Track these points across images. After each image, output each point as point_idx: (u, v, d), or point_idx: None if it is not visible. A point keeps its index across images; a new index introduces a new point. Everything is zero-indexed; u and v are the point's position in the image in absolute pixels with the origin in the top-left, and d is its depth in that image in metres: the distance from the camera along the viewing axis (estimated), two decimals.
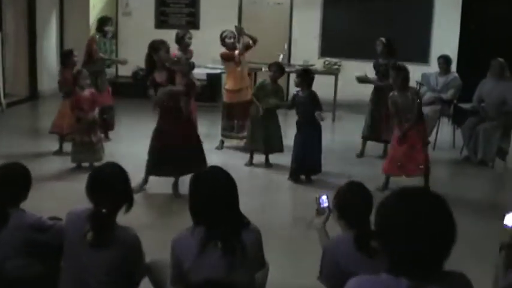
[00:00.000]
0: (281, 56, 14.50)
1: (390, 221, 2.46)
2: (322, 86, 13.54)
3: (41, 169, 8.76)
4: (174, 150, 7.85)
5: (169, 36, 9.57)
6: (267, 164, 9.59)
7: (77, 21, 15.33)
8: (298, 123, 8.80)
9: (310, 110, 8.54)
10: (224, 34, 10.20)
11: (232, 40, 10.19)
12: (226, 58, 10.25)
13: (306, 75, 8.79)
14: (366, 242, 3.70)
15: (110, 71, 13.54)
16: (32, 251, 4.38)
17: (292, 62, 14.83)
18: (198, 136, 8.35)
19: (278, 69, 9.55)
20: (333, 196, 4.11)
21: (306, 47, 15.36)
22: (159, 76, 7.86)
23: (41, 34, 14.92)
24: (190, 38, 10.32)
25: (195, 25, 15.58)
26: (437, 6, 15.11)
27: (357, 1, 15.33)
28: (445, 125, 12.07)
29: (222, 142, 10.54)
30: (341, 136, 11.96)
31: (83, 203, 4.16)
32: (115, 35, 14.94)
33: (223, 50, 10.24)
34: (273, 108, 9.42)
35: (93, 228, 4.06)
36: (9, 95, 14.23)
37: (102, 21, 11.02)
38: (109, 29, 10.89)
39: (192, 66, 10.18)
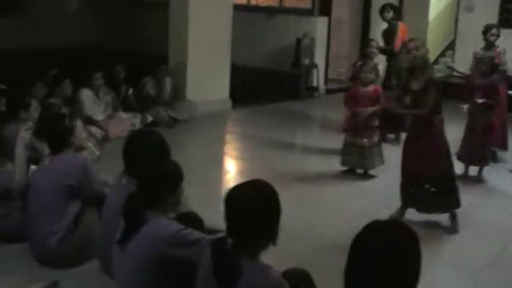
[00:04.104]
0: None
1: None
2: None
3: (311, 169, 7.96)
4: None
5: None
6: None
7: (416, 11, 14.08)
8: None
9: None
10: None
11: None
12: None
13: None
14: None
15: None
16: (164, 267, 3.57)
17: None
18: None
19: None
20: None
21: None
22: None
23: (375, 22, 13.96)
24: (493, 35, 8.61)
25: None
26: None
27: None
28: None
29: None
30: None
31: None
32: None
33: None
34: None
35: None
36: (333, 81, 13.58)
37: None
38: None
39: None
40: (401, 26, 9.63)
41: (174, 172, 3.79)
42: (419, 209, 6.16)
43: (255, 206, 3.06)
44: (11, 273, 4.69)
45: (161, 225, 3.59)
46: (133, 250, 3.60)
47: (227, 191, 3.19)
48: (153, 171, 3.78)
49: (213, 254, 3.16)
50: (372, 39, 9.29)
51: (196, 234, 3.58)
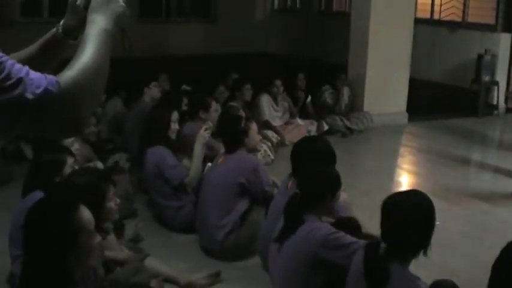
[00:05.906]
0: None
1: None
2: None
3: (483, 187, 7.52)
4: None
5: None
6: None
7: None
8: None
9: None
10: None
11: None
12: None
13: None
14: None
15: None
16: (315, 268, 3.66)
17: None
18: None
19: None
20: None
21: None
22: None
23: None
24: None
25: None
26: None
27: None
28: None
29: None
30: None
31: None
32: None
33: None
34: None
35: None
36: None
37: None
38: None
39: None
40: None
41: (334, 178, 3.80)
42: None
43: (413, 214, 3.08)
44: (179, 260, 4.91)
45: (315, 227, 3.64)
46: (289, 250, 3.67)
47: (386, 197, 3.20)
48: (314, 175, 3.81)
49: (365, 257, 3.19)
50: None
51: (349, 238, 3.59)
